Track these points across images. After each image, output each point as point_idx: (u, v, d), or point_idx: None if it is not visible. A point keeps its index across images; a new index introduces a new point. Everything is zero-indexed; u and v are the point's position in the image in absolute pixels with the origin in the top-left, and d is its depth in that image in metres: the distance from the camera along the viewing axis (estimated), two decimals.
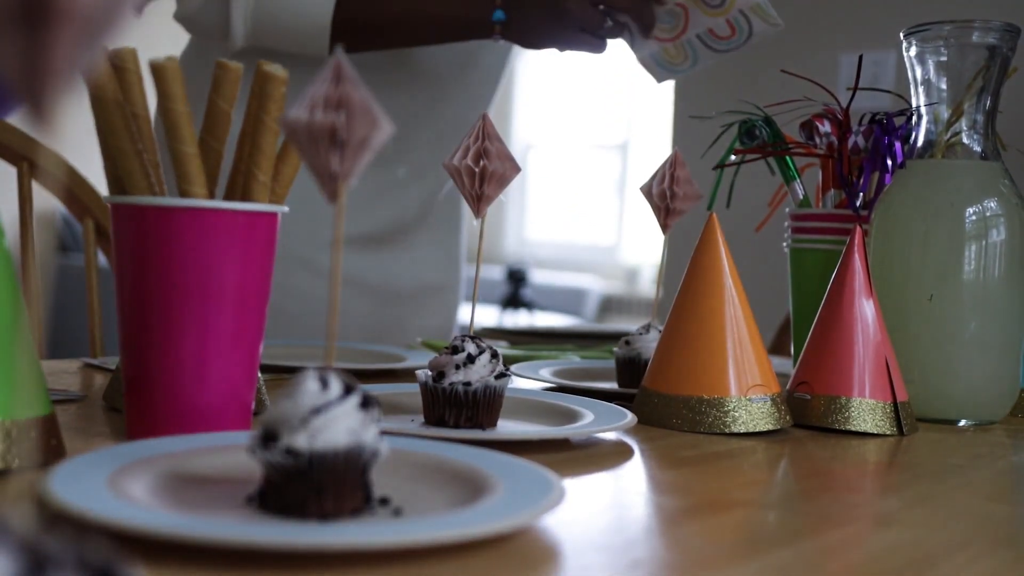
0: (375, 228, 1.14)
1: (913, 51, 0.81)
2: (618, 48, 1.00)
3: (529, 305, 4.91)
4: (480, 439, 0.55)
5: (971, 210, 0.77)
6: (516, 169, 0.63)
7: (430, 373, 0.61)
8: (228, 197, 0.53)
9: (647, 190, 0.78)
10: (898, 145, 0.87)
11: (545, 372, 0.83)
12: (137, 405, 0.52)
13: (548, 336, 1.15)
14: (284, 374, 0.80)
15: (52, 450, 0.47)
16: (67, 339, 3.41)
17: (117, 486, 0.39)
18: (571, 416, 0.64)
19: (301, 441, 0.38)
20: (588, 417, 0.63)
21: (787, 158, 0.93)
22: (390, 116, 0.40)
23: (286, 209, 0.54)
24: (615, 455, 0.58)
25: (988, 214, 0.76)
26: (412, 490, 0.44)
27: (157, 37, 1.13)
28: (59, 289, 4.00)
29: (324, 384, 0.39)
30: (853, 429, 0.68)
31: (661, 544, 0.41)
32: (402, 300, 1.18)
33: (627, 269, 5.32)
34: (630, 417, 0.62)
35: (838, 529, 0.46)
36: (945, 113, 0.79)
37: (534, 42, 0.96)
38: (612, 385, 0.82)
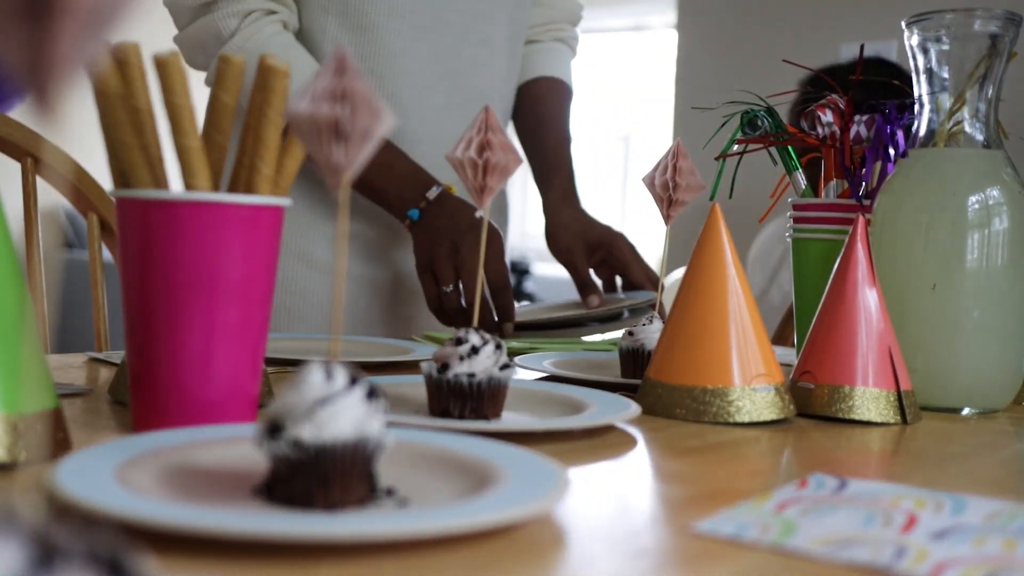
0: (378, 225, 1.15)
1: (915, 40, 0.81)
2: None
3: (532, 297, 4.92)
4: (485, 430, 0.56)
5: (974, 198, 0.77)
6: (518, 161, 0.63)
7: (435, 365, 0.61)
8: (232, 190, 0.53)
9: (649, 181, 0.78)
10: (900, 134, 0.87)
11: (549, 363, 0.83)
12: (143, 398, 0.52)
13: (553, 326, 1.14)
14: (289, 367, 0.81)
15: (59, 443, 0.48)
16: (73, 334, 3.41)
17: (124, 478, 0.39)
18: (575, 407, 0.64)
19: (307, 433, 0.38)
20: (592, 408, 0.63)
21: (789, 148, 0.93)
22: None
23: (290, 202, 0.54)
24: (619, 445, 0.58)
25: (991, 202, 0.76)
26: (417, 481, 0.44)
27: (160, 31, 1.12)
28: (65, 285, 4.00)
29: (329, 376, 0.39)
30: (857, 418, 0.69)
31: (666, 533, 0.41)
32: (414, 297, 1.18)
33: None
34: (634, 407, 0.63)
35: None
36: (947, 102, 0.79)
37: (421, 247, 1.04)
38: (616, 376, 0.82)
